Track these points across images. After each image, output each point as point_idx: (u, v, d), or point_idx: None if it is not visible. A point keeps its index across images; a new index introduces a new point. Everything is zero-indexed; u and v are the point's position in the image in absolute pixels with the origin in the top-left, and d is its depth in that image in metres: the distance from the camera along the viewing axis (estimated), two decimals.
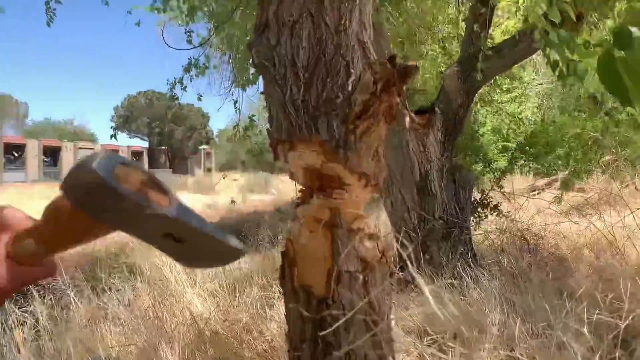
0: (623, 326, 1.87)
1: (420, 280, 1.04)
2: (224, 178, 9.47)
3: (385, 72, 1.59)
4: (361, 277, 1.57)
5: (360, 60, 1.59)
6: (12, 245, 0.84)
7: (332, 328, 1.52)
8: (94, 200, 0.77)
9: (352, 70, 1.56)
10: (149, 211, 0.77)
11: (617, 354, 1.63)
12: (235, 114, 9.46)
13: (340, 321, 1.48)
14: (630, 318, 1.90)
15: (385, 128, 1.62)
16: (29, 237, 0.85)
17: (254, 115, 9.00)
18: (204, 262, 0.94)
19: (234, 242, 0.87)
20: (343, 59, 1.56)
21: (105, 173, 0.74)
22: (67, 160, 52.65)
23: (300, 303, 1.62)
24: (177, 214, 0.81)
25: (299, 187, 1.70)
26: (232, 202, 12.32)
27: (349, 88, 1.55)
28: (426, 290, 0.95)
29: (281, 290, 1.78)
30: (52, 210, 0.83)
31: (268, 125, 1.71)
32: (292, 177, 1.66)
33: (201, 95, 8.45)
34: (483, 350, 3.06)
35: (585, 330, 1.98)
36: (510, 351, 2.88)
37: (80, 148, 55.30)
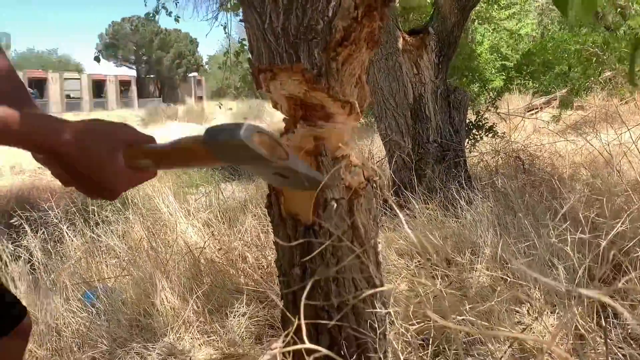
0: (604, 244, 1.95)
1: (393, 204, 1.09)
2: (220, 107, 9.33)
3: None
4: (346, 204, 1.63)
5: None
6: (130, 159, 1.11)
7: (319, 253, 1.59)
8: (236, 157, 1.08)
9: None
10: (274, 164, 1.11)
11: (596, 272, 1.71)
12: (225, 39, 9.32)
13: (325, 245, 1.55)
14: (610, 235, 1.98)
15: (368, 54, 1.64)
16: (146, 158, 1.14)
17: (244, 39, 8.85)
18: (297, 186, 1.30)
19: (319, 176, 1.34)
20: None
21: (248, 141, 1.03)
22: (54, 92, 52.02)
23: (287, 230, 1.68)
24: (292, 164, 1.16)
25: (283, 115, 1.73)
26: None
27: (330, 14, 1.55)
28: (401, 215, 1.00)
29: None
30: (186, 150, 1.11)
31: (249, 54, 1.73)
32: (275, 106, 1.69)
33: (179, 17, 8.27)
34: (475, 271, 3.17)
35: (568, 249, 2.07)
36: (501, 270, 2.99)
37: (66, 79, 54.53)
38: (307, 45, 1.55)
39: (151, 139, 1.18)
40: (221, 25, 8.57)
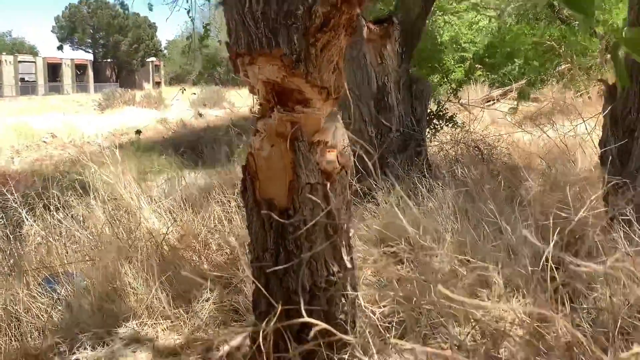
0: (567, 230, 2.01)
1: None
2: (182, 92, 9.09)
3: None
4: (321, 188, 1.65)
5: None
6: None
7: (293, 237, 1.61)
8: None
9: None
10: None
11: (562, 256, 1.78)
12: (184, 24, 9.22)
13: (302, 230, 1.57)
14: (574, 222, 2.05)
15: (346, 41, 1.65)
16: None
17: (209, 24, 8.74)
18: None
19: None
20: None
21: None
22: (8, 75, 50.55)
23: (262, 215, 1.69)
24: None
25: (257, 101, 1.74)
26: (200, 115, 12.12)
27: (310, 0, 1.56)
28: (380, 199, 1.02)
29: (240, 204, 1.85)
30: None
31: (227, 38, 1.72)
32: (252, 91, 1.69)
33: (152, 5, 8.15)
34: (437, 256, 3.22)
35: (532, 234, 2.12)
36: (463, 256, 3.04)
37: (21, 61, 52.99)
38: (286, 30, 1.56)
39: None
40: (184, 9, 8.45)
